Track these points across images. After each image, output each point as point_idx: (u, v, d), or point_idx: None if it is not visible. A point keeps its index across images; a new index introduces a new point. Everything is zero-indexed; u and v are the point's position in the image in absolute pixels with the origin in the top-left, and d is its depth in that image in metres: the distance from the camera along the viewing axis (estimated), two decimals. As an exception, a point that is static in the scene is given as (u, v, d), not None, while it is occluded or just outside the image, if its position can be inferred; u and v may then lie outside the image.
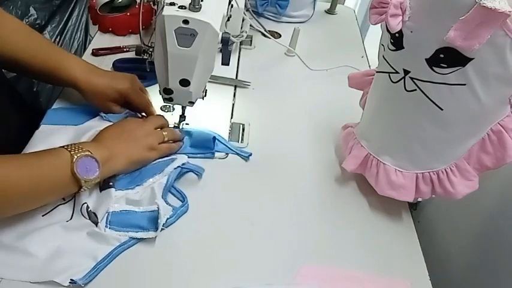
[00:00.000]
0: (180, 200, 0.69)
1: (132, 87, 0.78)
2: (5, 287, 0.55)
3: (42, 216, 0.63)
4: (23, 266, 0.57)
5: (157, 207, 0.63)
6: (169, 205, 0.66)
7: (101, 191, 0.66)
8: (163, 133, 0.73)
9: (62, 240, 0.60)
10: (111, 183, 0.66)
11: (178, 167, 0.70)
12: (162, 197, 0.66)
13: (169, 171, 0.70)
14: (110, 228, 0.62)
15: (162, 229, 0.62)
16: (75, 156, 0.60)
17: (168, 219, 0.63)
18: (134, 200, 0.66)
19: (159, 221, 0.62)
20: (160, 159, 0.73)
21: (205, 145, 0.77)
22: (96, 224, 0.62)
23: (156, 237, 0.62)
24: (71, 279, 0.55)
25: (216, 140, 0.78)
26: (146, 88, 0.90)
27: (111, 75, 0.79)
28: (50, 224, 0.62)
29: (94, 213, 0.63)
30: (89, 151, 0.61)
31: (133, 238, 0.62)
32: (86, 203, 0.64)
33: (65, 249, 0.59)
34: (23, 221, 0.61)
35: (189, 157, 0.75)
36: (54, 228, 0.61)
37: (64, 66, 0.74)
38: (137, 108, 0.80)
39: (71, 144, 0.62)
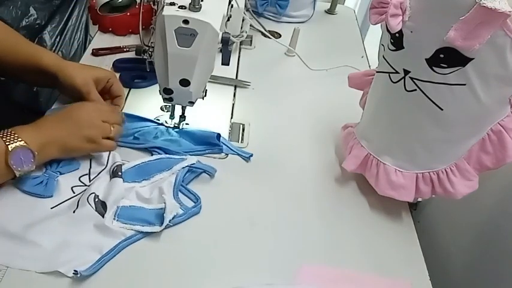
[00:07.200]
0: (193, 201, 0.69)
1: (113, 73, 0.82)
2: (11, 275, 0.56)
3: (51, 208, 0.63)
4: (30, 256, 0.57)
5: (164, 203, 0.64)
6: (181, 204, 0.66)
7: (110, 180, 0.67)
8: (111, 128, 0.71)
9: (69, 231, 0.61)
10: (120, 173, 0.67)
11: (187, 166, 0.71)
12: (173, 197, 0.67)
13: (177, 169, 0.70)
14: (117, 220, 0.63)
15: (168, 225, 0.63)
16: (10, 148, 0.58)
17: (176, 217, 0.64)
18: (145, 198, 0.67)
19: (164, 215, 0.62)
20: (170, 156, 0.73)
21: (210, 141, 0.78)
22: (102, 215, 0.63)
23: (161, 232, 0.63)
24: (74, 270, 0.56)
25: (221, 137, 0.78)
26: (146, 88, 0.90)
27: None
28: (57, 214, 0.63)
29: (103, 202, 0.64)
30: (24, 141, 0.60)
31: (139, 232, 0.62)
32: (94, 193, 0.65)
33: (71, 240, 0.60)
34: (31, 212, 0.62)
35: (197, 155, 0.75)
36: (62, 219, 0.62)
37: (43, 55, 0.75)
38: (111, 94, 0.81)
39: (5, 131, 0.60)
